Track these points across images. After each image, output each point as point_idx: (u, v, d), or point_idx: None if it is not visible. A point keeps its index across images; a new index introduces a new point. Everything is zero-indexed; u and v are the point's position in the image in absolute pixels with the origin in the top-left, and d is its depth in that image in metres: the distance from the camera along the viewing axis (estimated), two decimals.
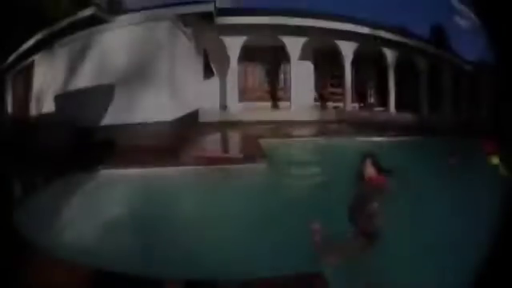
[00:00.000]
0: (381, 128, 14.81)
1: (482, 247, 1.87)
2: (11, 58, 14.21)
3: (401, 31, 20.19)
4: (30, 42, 13.29)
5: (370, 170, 4.51)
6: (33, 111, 14.53)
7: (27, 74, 15.09)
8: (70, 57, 12.28)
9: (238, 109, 17.13)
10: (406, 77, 21.00)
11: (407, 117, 18.78)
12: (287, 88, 18.92)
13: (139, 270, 3.37)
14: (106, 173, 7.65)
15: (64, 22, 11.96)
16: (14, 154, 9.21)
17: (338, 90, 20.01)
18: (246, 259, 3.84)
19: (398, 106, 19.34)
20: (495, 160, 6.50)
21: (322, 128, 14.87)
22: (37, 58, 14.47)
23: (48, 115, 12.87)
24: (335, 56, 18.58)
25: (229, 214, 5.37)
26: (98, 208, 5.84)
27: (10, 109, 15.54)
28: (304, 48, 17.54)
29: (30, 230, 4.25)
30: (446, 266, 3.68)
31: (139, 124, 11.25)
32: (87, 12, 11.41)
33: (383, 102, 20.15)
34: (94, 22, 11.56)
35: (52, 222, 5.05)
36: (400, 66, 19.32)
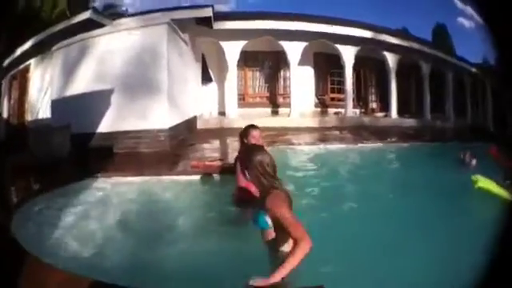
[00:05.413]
0: (382, 134, 14.62)
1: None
2: (6, 63, 14.02)
3: (402, 34, 20.07)
4: (26, 46, 13.13)
5: None
6: (28, 116, 14.44)
7: (23, 78, 14.96)
8: (66, 61, 12.19)
9: (237, 115, 16.88)
10: (409, 81, 20.89)
11: (409, 122, 18.65)
12: (287, 94, 18.68)
13: (138, 282, 3.29)
14: (103, 181, 7.48)
15: (60, 26, 11.84)
16: (10, 160, 8.92)
17: (339, 96, 19.82)
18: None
19: (401, 111, 19.13)
20: None
21: (323, 134, 14.65)
22: (33, 61, 14.35)
23: (44, 120, 12.71)
24: (336, 61, 18.38)
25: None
26: (94, 217, 5.65)
27: (5, 113, 15.40)
28: (304, 53, 17.30)
29: (27, 239, 4.12)
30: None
31: (136, 131, 11.12)
32: (84, 16, 11.29)
33: (385, 107, 19.96)
34: (90, 25, 11.39)
35: (48, 231, 4.95)
36: (402, 70, 19.18)
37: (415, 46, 18.73)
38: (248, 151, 3.50)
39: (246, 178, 3.46)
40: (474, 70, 20.62)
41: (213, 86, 19.05)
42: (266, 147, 3.67)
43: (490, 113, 20.55)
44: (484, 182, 5.72)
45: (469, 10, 24.27)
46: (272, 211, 3.00)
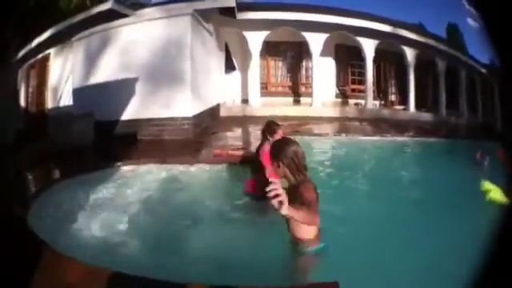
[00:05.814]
0: (401, 127, 14.70)
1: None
2: (22, 53, 14.14)
3: (419, 30, 19.96)
4: (44, 36, 13.22)
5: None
6: (49, 104, 14.49)
7: (42, 67, 14.99)
8: (88, 50, 12.27)
9: (259, 103, 17.02)
10: (427, 76, 20.78)
11: (426, 116, 18.66)
12: (309, 83, 18.75)
13: (160, 273, 3.13)
14: (126, 168, 7.50)
15: (80, 16, 11.85)
16: (28, 148, 8.90)
17: (360, 87, 19.93)
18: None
19: (418, 105, 19.14)
20: None
21: (343, 125, 14.78)
22: (53, 51, 14.40)
23: (66, 108, 12.81)
24: (357, 53, 18.48)
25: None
26: (116, 206, 5.52)
27: (22, 102, 15.51)
28: (326, 44, 17.39)
29: (45, 229, 4.08)
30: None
31: (160, 119, 11.22)
32: (105, 6, 11.31)
33: (404, 100, 19.97)
34: (112, 16, 11.50)
35: (68, 221, 4.82)
36: (421, 66, 19.25)
37: (431, 42, 18.69)
38: (282, 144, 3.49)
39: (276, 171, 3.46)
40: (483, 70, 20.44)
41: (236, 74, 19.18)
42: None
43: (498, 113, 20.30)
44: (495, 193, 5.58)
45: (473, 10, 23.80)
46: (304, 195, 3.04)
